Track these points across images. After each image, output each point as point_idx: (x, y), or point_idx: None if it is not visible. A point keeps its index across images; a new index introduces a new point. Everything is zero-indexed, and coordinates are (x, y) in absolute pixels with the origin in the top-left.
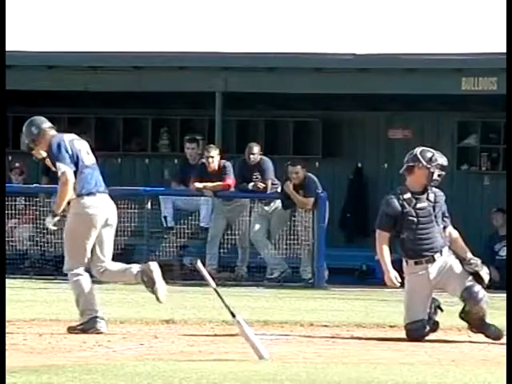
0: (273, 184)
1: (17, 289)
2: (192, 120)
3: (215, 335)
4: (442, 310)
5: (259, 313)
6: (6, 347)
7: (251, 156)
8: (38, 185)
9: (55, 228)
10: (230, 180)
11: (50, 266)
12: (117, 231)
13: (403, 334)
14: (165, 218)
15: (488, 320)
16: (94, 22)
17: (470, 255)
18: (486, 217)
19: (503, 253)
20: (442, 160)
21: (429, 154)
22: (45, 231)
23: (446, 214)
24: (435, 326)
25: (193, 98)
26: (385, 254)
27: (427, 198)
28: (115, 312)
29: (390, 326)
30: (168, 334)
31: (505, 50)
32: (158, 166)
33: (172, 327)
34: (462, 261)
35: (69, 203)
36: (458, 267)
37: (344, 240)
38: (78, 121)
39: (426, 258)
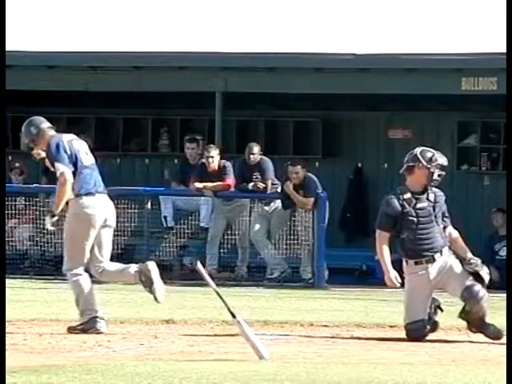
0: (273, 184)
1: (17, 289)
2: (192, 120)
3: (215, 335)
4: (441, 310)
5: (259, 313)
6: (6, 347)
7: (251, 156)
8: (37, 185)
9: (53, 228)
10: (230, 180)
11: (49, 266)
12: (117, 231)
13: (403, 334)
14: (165, 218)
15: (488, 320)
16: (94, 21)
17: (470, 255)
18: (486, 217)
19: (503, 253)
20: (442, 160)
21: (429, 154)
22: (45, 231)
23: (446, 214)
24: (435, 326)
25: (193, 98)
26: (385, 254)
27: (427, 198)
28: (115, 312)
29: (390, 326)
30: (168, 333)
31: (505, 50)
32: (157, 165)
33: (172, 327)
34: (462, 261)
35: (67, 203)
36: (458, 267)
37: (344, 240)
38: (78, 121)
39: (426, 258)
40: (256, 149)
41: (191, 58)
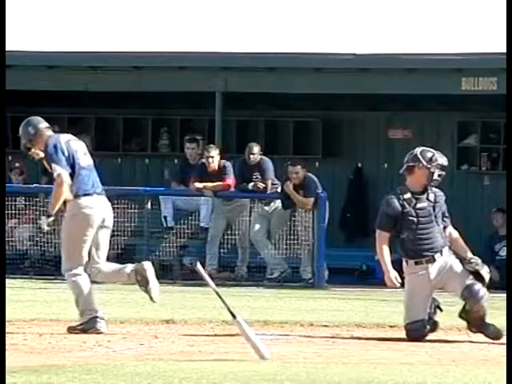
0: (273, 184)
1: (17, 289)
2: (192, 120)
3: (215, 335)
4: (441, 310)
5: (259, 313)
6: (6, 347)
7: (251, 156)
8: (37, 185)
9: (48, 228)
10: (230, 180)
11: (49, 266)
12: (117, 231)
13: (403, 334)
14: (165, 218)
15: (488, 320)
16: (94, 21)
17: (470, 255)
18: (486, 217)
19: (503, 253)
20: (442, 160)
21: (429, 154)
22: (44, 231)
23: (446, 214)
24: (435, 326)
25: (193, 98)
26: (385, 254)
27: (427, 198)
28: (115, 312)
29: (390, 326)
30: (168, 333)
31: (505, 50)
32: (158, 166)
33: (172, 327)
34: (463, 260)
35: (65, 205)
36: (458, 267)
37: (344, 240)
38: (78, 121)
39: (426, 257)
40: (256, 149)
41: (191, 58)
